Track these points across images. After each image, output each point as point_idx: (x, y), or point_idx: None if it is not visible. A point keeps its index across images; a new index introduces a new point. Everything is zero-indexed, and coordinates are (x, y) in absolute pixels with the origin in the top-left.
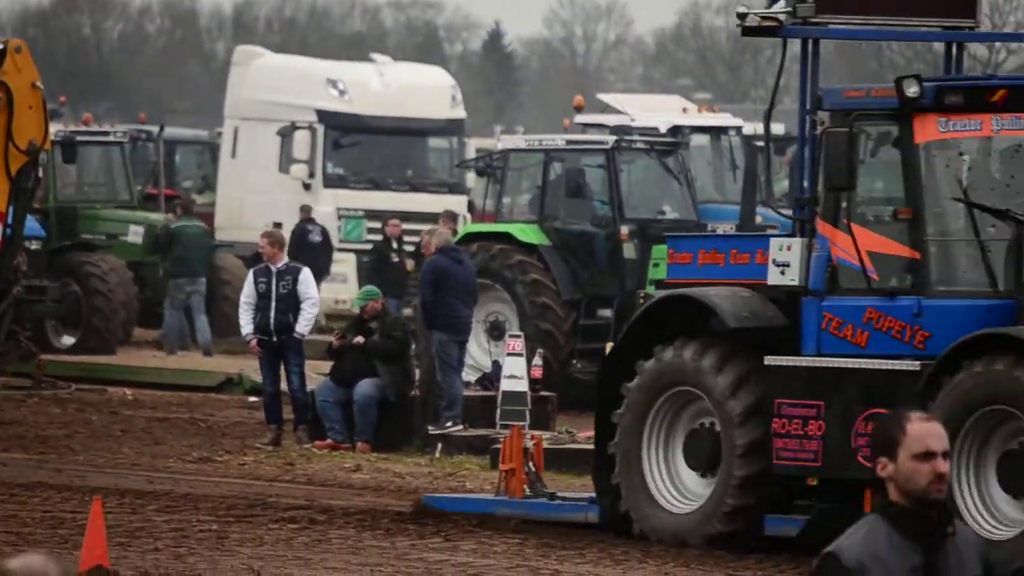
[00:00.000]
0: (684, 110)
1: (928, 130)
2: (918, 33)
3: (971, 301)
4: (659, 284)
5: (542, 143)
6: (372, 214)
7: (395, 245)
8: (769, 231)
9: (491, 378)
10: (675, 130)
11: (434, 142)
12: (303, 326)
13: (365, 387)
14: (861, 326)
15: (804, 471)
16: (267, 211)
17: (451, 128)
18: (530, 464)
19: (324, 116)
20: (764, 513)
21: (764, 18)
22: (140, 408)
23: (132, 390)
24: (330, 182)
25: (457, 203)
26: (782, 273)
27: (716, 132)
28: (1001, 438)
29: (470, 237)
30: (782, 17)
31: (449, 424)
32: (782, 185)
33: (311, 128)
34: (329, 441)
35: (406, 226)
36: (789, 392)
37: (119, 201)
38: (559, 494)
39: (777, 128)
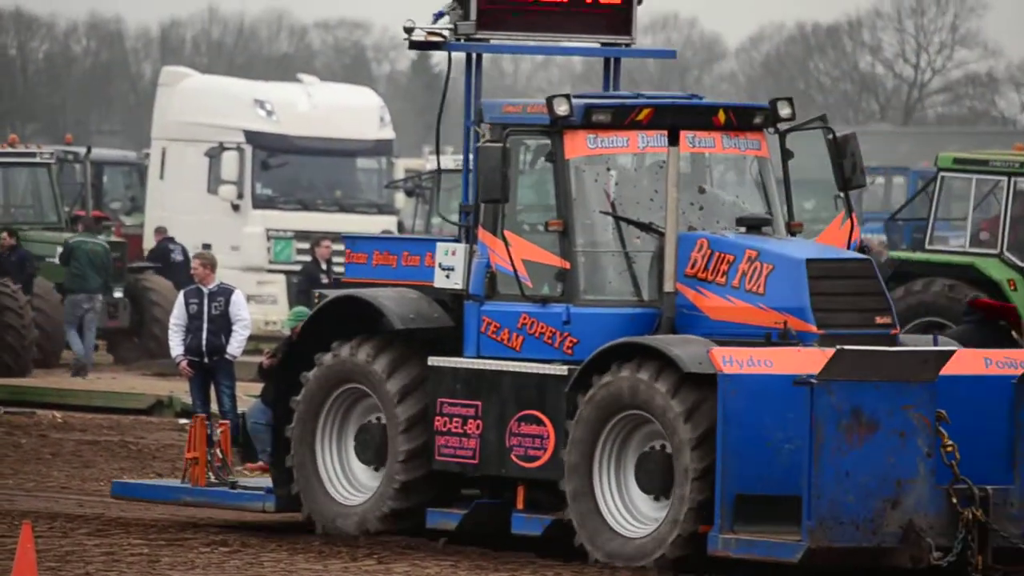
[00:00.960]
0: None
1: (578, 146)
2: (577, 49)
3: (617, 310)
4: (337, 283)
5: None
6: (301, 235)
7: (324, 266)
8: None
9: None
10: None
11: (363, 163)
12: (235, 348)
13: None
14: (516, 331)
15: (463, 468)
16: (196, 232)
17: (379, 148)
18: (216, 451)
19: (252, 137)
20: (426, 508)
21: (430, 33)
22: (70, 431)
23: (61, 413)
24: (259, 203)
25: (386, 224)
26: (447, 277)
27: None
28: (638, 441)
29: None
30: (446, 33)
31: None
32: None
33: (239, 149)
34: (261, 463)
35: (336, 247)
36: (450, 392)
37: (46, 223)
38: (240, 483)
39: None
